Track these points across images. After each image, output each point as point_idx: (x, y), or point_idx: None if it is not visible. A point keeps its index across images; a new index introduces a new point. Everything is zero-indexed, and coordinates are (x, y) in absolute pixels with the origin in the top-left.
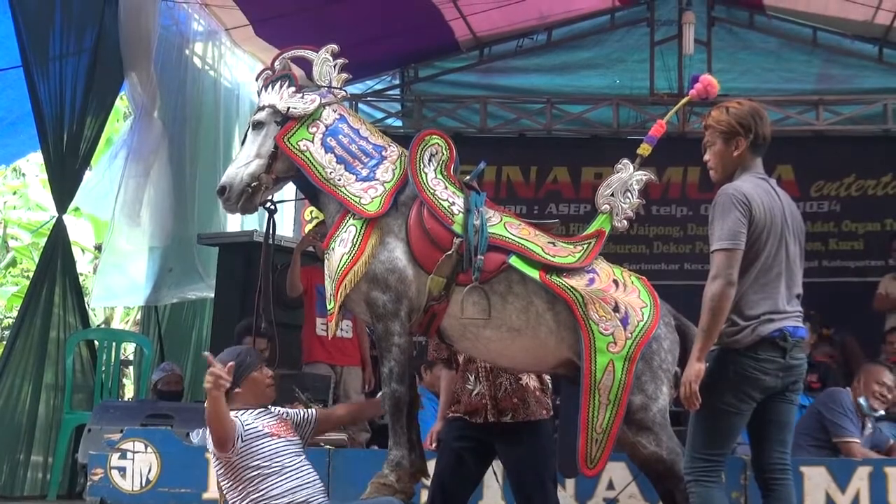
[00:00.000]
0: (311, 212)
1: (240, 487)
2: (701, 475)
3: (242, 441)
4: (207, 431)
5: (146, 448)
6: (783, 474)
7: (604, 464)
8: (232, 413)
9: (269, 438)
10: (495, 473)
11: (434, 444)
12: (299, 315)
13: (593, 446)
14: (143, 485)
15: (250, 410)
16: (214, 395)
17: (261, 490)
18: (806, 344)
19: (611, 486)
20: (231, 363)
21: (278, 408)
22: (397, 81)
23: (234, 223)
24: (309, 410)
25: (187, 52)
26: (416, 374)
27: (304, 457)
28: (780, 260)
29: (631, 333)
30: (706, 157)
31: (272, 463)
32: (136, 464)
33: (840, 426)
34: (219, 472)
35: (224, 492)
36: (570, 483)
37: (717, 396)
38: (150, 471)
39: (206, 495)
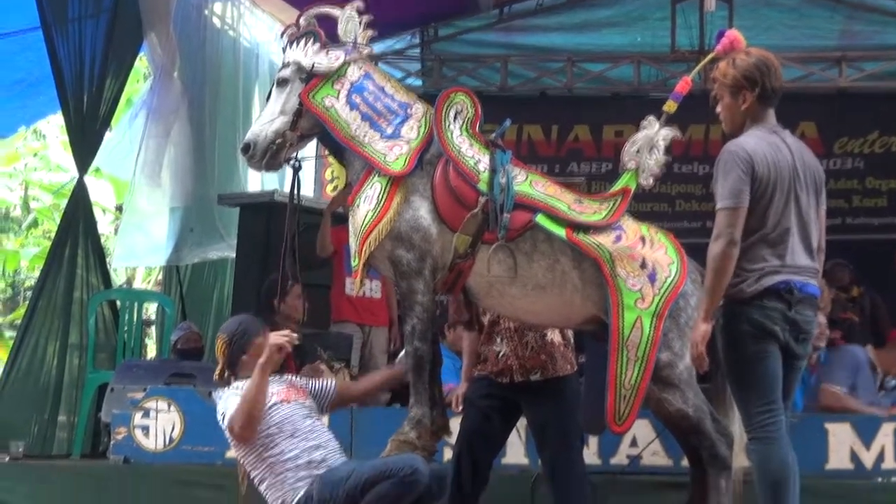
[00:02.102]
0: (331, 172)
1: (256, 453)
2: (757, 431)
3: None
4: (226, 419)
5: (169, 407)
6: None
7: (632, 420)
8: (242, 382)
9: (278, 406)
10: (518, 431)
11: (460, 408)
12: (323, 275)
13: (622, 403)
14: (167, 443)
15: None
16: (267, 365)
17: (277, 453)
18: (824, 301)
19: (634, 444)
20: (292, 335)
21: (288, 375)
22: (417, 41)
23: (255, 183)
24: (330, 382)
25: (206, 12)
26: (439, 333)
27: (316, 418)
28: (790, 214)
29: (658, 290)
30: (717, 109)
31: (284, 428)
32: (160, 423)
33: (832, 373)
34: (232, 444)
35: (241, 459)
36: (593, 440)
37: (740, 350)
38: (173, 429)
39: (229, 454)
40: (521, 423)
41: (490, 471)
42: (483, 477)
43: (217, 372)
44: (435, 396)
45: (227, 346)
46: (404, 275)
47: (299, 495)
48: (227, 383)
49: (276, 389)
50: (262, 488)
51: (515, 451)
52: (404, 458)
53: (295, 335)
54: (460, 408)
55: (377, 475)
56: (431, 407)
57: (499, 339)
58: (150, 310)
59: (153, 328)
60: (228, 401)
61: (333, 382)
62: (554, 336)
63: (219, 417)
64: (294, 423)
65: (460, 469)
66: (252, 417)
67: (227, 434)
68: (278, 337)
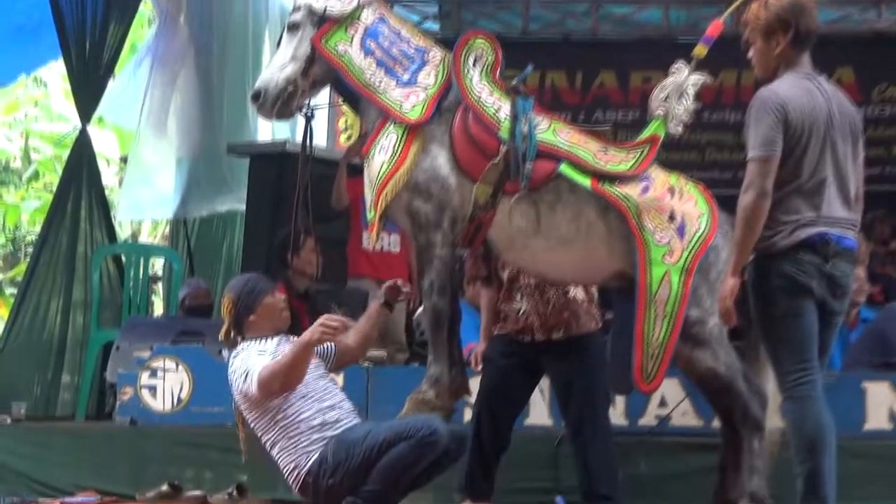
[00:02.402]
0: (345, 121)
1: (268, 416)
2: (792, 390)
3: None
4: (252, 378)
5: (177, 366)
6: None
7: (661, 379)
8: (251, 342)
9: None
10: (541, 390)
11: (479, 367)
12: (338, 229)
13: (649, 361)
14: (175, 404)
15: (269, 338)
16: (314, 344)
17: (290, 416)
18: (862, 255)
19: (663, 404)
20: (343, 319)
21: (295, 337)
22: None
23: (266, 132)
24: (329, 344)
25: None
26: (458, 289)
27: (329, 379)
28: (826, 163)
29: (687, 243)
30: (749, 54)
31: (301, 387)
32: (167, 382)
33: None
34: (244, 407)
35: (251, 423)
36: (620, 401)
37: (773, 306)
38: (181, 389)
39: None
40: (545, 382)
41: (511, 432)
42: (504, 438)
43: (223, 332)
44: (454, 354)
45: (234, 305)
46: (422, 227)
47: (313, 459)
48: (234, 344)
49: (288, 349)
50: (273, 452)
51: (538, 411)
52: (422, 418)
53: (347, 320)
54: (480, 367)
55: (394, 436)
56: (450, 365)
57: (519, 297)
58: (157, 265)
59: (160, 284)
60: (250, 359)
61: (332, 345)
62: (577, 292)
63: (235, 375)
64: (307, 384)
65: (480, 430)
66: (286, 388)
67: (249, 392)
68: (333, 321)
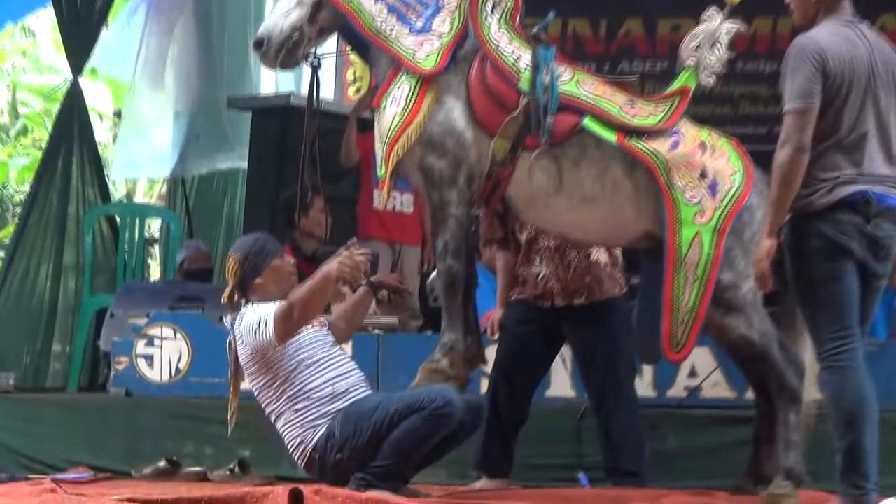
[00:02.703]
0: (354, 72)
1: (275, 385)
2: (830, 359)
3: None
4: (268, 322)
5: (175, 334)
6: None
7: (691, 347)
8: (257, 305)
9: (305, 328)
10: (563, 359)
11: (496, 335)
12: (348, 187)
13: (679, 328)
14: (173, 374)
15: (276, 303)
16: (334, 278)
17: (297, 384)
18: None
19: (693, 374)
20: (367, 253)
21: None
22: None
23: (269, 85)
24: (322, 319)
25: None
26: (474, 251)
27: (339, 347)
28: (868, 116)
29: (720, 202)
30: (786, 0)
31: (309, 353)
32: (165, 351)
33: None
34: (250, 371)
35: (256, 393)
36: (647, 370)
37: (811, 269)
38: (179, 359)
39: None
40: (567, 351)
41: (530, 404)
42: (523, 410)
43: (226, 294)
44: (469, 321)
45: (240, 266)
46: (436, 184)
47: (320, 433)
48: (236, 308)
49: (305, 283)
50: (278, 425)
51: (560, 382)
52: (436, 388)
53: (369, 251)
54: (496, 335)
55: (406, 408)
56: (465, 332)
57: (538, 260)
58: (153, 226)
59: (157, 247)
60: (261, 310)
61: (325, 320)
62: (600, 255)
63: (245, 332)
64: (316, 350)
65: (497, 401)
66: (303, 320)
67: (264, 339)
68: (357, 254)
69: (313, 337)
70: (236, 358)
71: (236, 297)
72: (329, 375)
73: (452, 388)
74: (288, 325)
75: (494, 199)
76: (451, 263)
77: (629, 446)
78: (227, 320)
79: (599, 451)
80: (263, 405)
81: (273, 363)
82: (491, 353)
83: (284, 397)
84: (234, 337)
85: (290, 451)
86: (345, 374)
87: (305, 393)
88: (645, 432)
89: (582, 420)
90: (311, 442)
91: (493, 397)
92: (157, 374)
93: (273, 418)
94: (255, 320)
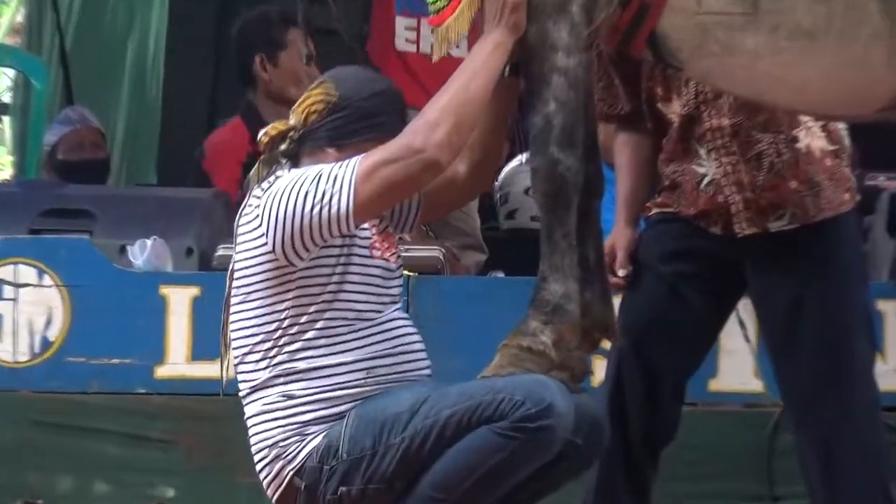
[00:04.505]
0: None
1: (272, 327)
2: None
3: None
4: (351, 177)
5: (41, 277)
6: None
7: None
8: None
9: (367, 253)
10: (742, 324)
11: (621, 273)
12: (347, 15)
13: None
14: (37, 351)
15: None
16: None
17: (312, 344)
18: None
19: None
20: None
21: None
22: None
23: None
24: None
25: None
26: (596, 134)
27: (399, 305)
28: None
29: None
30: None
31: (349, 300)
32: (23, 310)
33: None
34: (246, 290)
35: (233, 338)
36: None
37: None
38: (48, 323)
39: (161, 371)
40: (747, 311)
41: (681, 405)
42: (668, 416)
43: (271, 136)
44: (589, 259)
45: (334, 110)
46: (532, 11)
47: (311, 444)
48: (263, 177)
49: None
50: (249, 409)
51: (738, 362)
52: (527, 383)
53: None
54: (621, 274)
55: (471, 414)
56: (584, 281)
57: (703, 150)
58: (1, 85)
59: (6, 121)
60: (317, 169)
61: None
62: (813, 141)
63: (306, 193)
64: (367, 297)
65: (622, 402)
66: (461, 140)
67: (341, 211)
68: None
69: (368, 278)
70: (233, 272)
71: (282, 158)
72: (376, 344)
73: (556, 385)
74: (432, 161)
75: (637, 40)
76: (559, 157)
77: (860, 484)
78: (137, 251)
79: (804, 490)
80: (237, 362)
81: (293, 281)
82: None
83: (280, 359)
84: (253, 216)
85: (258, 464)
86: (398, 349)
87: (322, 367)
88: (892, 458)
89: (775, 436)
90: (293, 457)
91: (613, 392)
92: (8, 349)
93: (246, 392)
94: (313, 181)
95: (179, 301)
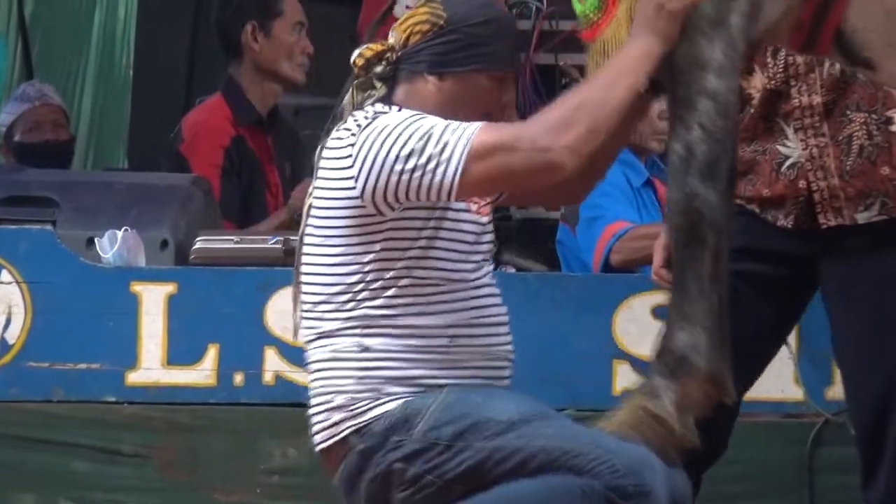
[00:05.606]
0: None
1: (355, 278)
2: None
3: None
4: (462, 150)
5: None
6: None
7: None
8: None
9: (464, 206)
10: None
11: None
12: None
13: None
14: None
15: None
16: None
17: (396, 300)
18: None
19: None
20: None
21: None
22: None
23: None
24: None
25: None
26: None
27: (490, 271)
28: None
29: None
30: None
31: (449, 259)
32: None
33: None
34: (325, 233)
35: (304, 276)
36: None
37: None
38: (7, 324)
39: (134, 377)
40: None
41: (735, 419)
42: (721, 437)
43: (366, 57)
44: (715, 310)
45: (439, 33)
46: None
47: (384, 408)
48: (347, 114)
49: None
50: (315, 355)
51: (775, 372)
52: (635, 455)
53: None
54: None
55: (560, 456)
56: (710, 332)
57: (790, 129)
58: None
59: None
60: (432, 122)
61: None
62: None
63: (409, 153)
64: (458, 255)
65: None
66: (595, 140)
67: (445, 182)
68: None
69: (461, 237)
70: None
71: (377, 82)
72: (463, 311)
73: (662, 468)
74: (556, 164)
75: (823, 40)
76: (697, 189)
77: None
78: (105, 243)
79: None
80: (305, 308)
81: (382, 232)
82: None
83: (357, 313)
84: (345, 153)
85: (313, 407)
86: (492, 316)
87: (404, 327)
88: None
89: (816, 449)
90: (360, 413)
91: None
92: None
93: (312, 337)
94: (421, 138)
95: (153, 299)
